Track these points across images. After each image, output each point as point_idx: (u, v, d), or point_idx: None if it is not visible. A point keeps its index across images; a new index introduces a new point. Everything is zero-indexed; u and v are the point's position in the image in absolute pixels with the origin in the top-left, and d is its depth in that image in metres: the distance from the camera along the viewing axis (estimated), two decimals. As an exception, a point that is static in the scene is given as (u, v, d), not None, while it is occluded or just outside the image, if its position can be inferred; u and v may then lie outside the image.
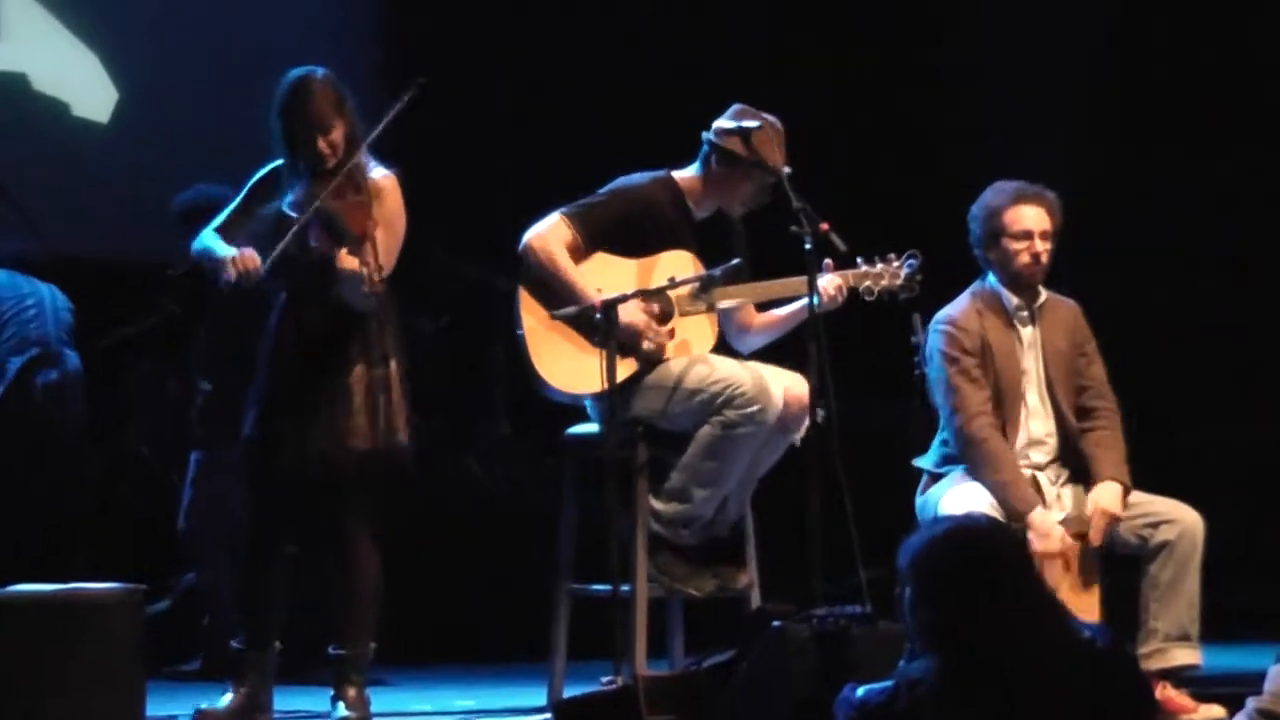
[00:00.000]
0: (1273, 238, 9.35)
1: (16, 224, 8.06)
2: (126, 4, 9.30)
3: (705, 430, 6.12)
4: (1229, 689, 6.05)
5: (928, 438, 6.39)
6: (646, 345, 6.18)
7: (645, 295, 6.18)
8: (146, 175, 8.71)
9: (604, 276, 6.21)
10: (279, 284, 6.08)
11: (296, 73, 6.03)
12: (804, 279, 6.06)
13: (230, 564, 6.83)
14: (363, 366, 5.97)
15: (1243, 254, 9.50)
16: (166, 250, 7.40)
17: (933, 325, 6.39)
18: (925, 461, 6.38)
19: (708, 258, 6.29)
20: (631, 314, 6.13)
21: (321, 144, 5.95)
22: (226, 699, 6.00)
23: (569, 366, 6.21)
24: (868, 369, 7.74)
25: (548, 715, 5.97)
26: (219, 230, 6.08)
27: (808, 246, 5.89)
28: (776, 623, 5.10)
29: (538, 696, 6.47)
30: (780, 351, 6.40)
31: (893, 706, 3.86)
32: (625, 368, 6.10)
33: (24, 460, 7.72)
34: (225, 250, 5.95)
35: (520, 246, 6.28)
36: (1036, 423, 6.33)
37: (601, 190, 6.39)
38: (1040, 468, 6.29)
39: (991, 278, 6.39)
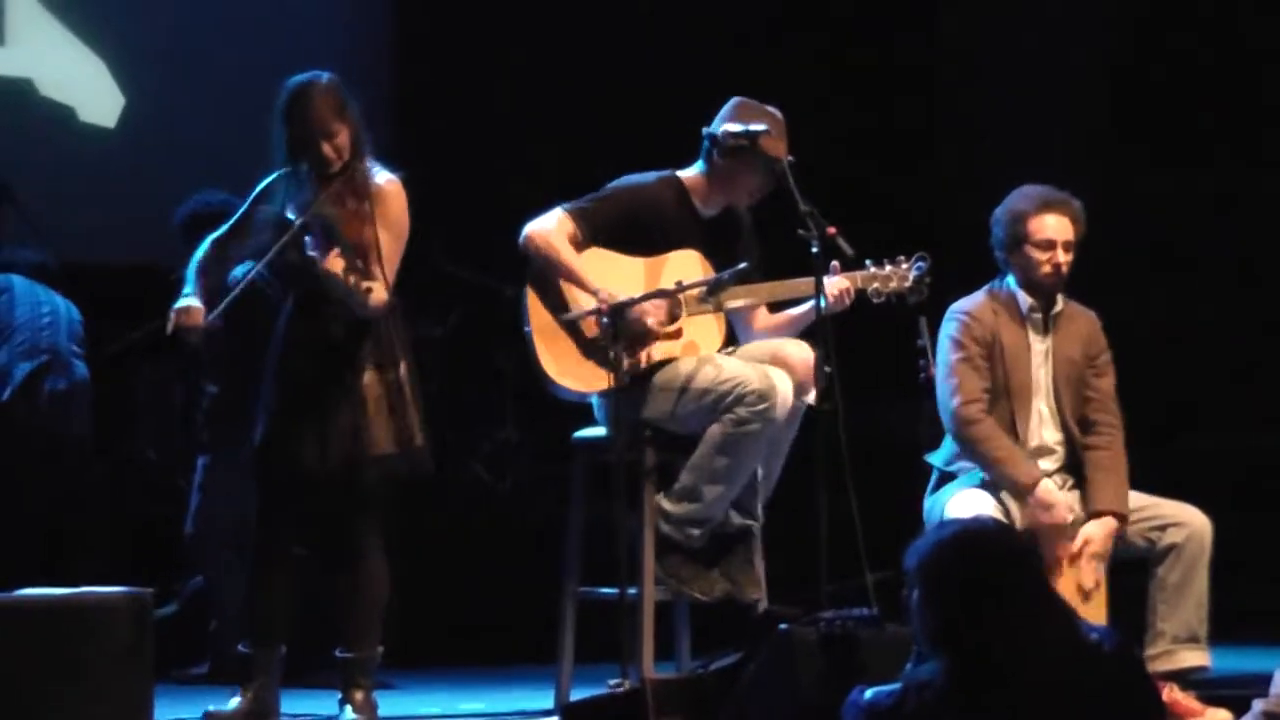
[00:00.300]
0: (1272, 241, 9.36)
1: (25, 228, 8.08)
2: (133, 9, 9.32)
3: (715, 428, 6.12)
4: (1235, 691, 6.06)
5: (936, 439, 6.39)
6: (654, 346, 6.17)
7: (653, 298, 6.18)
8: (153, 180, 8.72)
9: (612, 276, 6.21)
10: (285, 289, 6.09)
11: (300, 78, 6.02)
12: (810, 281, 6.06)
13: (237, 567, 6.84)
14: (374, 371, 5.97)
15: (1242, 257, 9.51)
16: (172, 254, 7.40)
17: (947, 314, 6.37)
18: (936, 458, 6.37)
19: (715, 256, 6.29)
20: (637, 315, 6.13)
21: (326, 148, 5.94)
22: (234, 703, 6.01)
23: (576, 365, 6.21)
24: (875, 372, 7.74)
25: (555, 718, 5.97)
26: (220, 240, 6.08)
27: (815, 250, 5.89)
28: (783, 626, 5.10)
29: (545, 699, 6.47)
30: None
31: (900, 710, 3.86)
32: (632, 370, 6.10)
33: (30, 465, 7.74)
34: (183, 297, 5.96)
35: (520, 239, 6.28)
36: (1047, 431, 6.31)
37: (605, 188, 6.39)
38: (1048, 475, 6.28)
39: (1010, 279, 6.37)
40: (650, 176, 6.40)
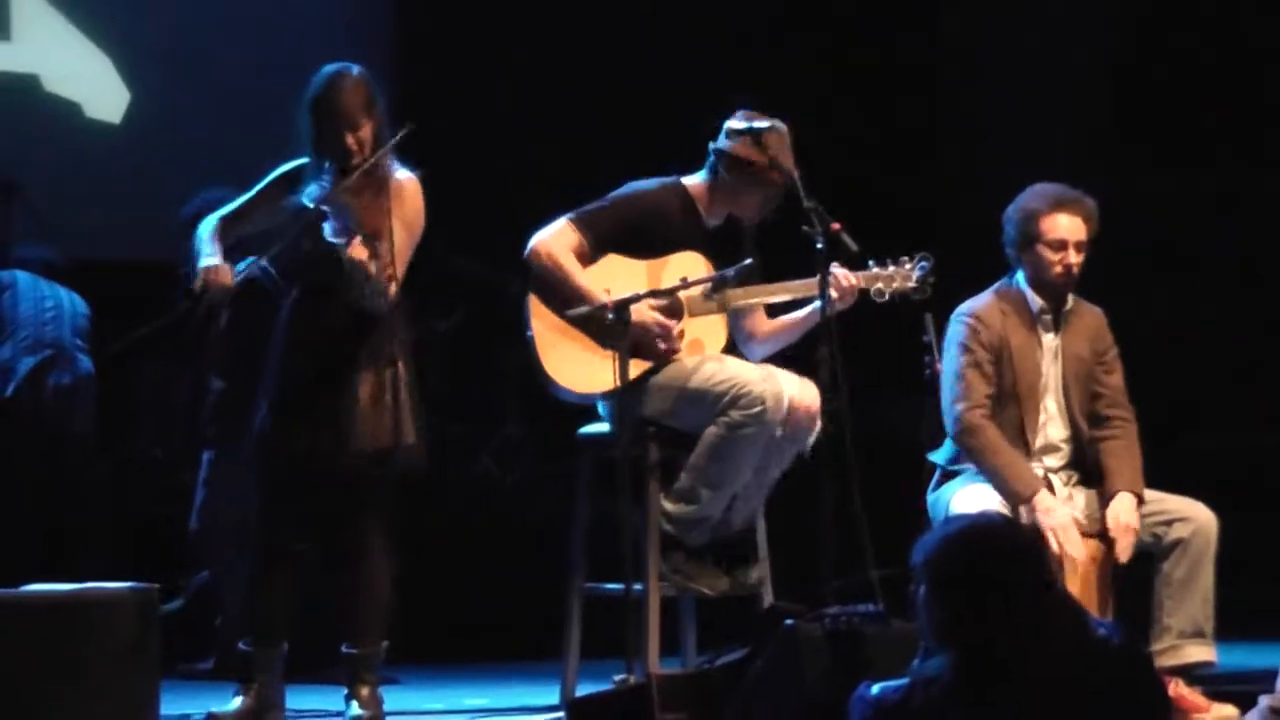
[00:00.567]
0: (1274, 241, 9.36)
1: (32, 225, 8.08)
2: (139, 6, 9.32)
3: (711, 431, 6.12)
4: (1241, 687, 6.06)
5: (939, 437, 6.39)
6: (660, 345, 6.18)
7: (656, 295, 6.18)
8: (158, 177, 8.73)
9: (614, 277, 6.22)
10: (292, 281, 6.09)
11: (331, 68, 6.02)
12: (815, 280, 6.06)
13: (242, 563, 6.84)
14: (370, 368, 5.96)
15: (1244, 256, 9.51)
16: (178, 250, 7.40)
17: (955, 316, 6.37)
18: (939, 457, 6.37)
19: (719, 262, 6.29)
20: (642, 314, 6.13)
21: (350, 140, 5.93)
22: (236, 702, 6.00)
23: (579, 367, 6.21)
24: (879, 368, 7.74)
25: (561, 714, 5.98)
26: (229, 217, 6.08)
27: (819, 246, 5.89)
28: (789, 621, 5.09)
29: (550, 695, 6.48)
30: (792, 351, 6.40)
31: (908, 705, 3.86)
32: (636, 367, 6.10)
33: (34, 460, 7.74)
34: (206, 257, 5.95)
35: (526, 251, 6.29)
36: (1054, 429, 6.32)
37: (610, 195, 6.39)
38: (1053, 472, 6.29)
39: (1020, 277, 6.37)
40: (654, 183, 6.40)
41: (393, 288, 5.87)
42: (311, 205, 5.92)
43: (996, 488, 6.14)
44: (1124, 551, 6.11)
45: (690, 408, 6.15)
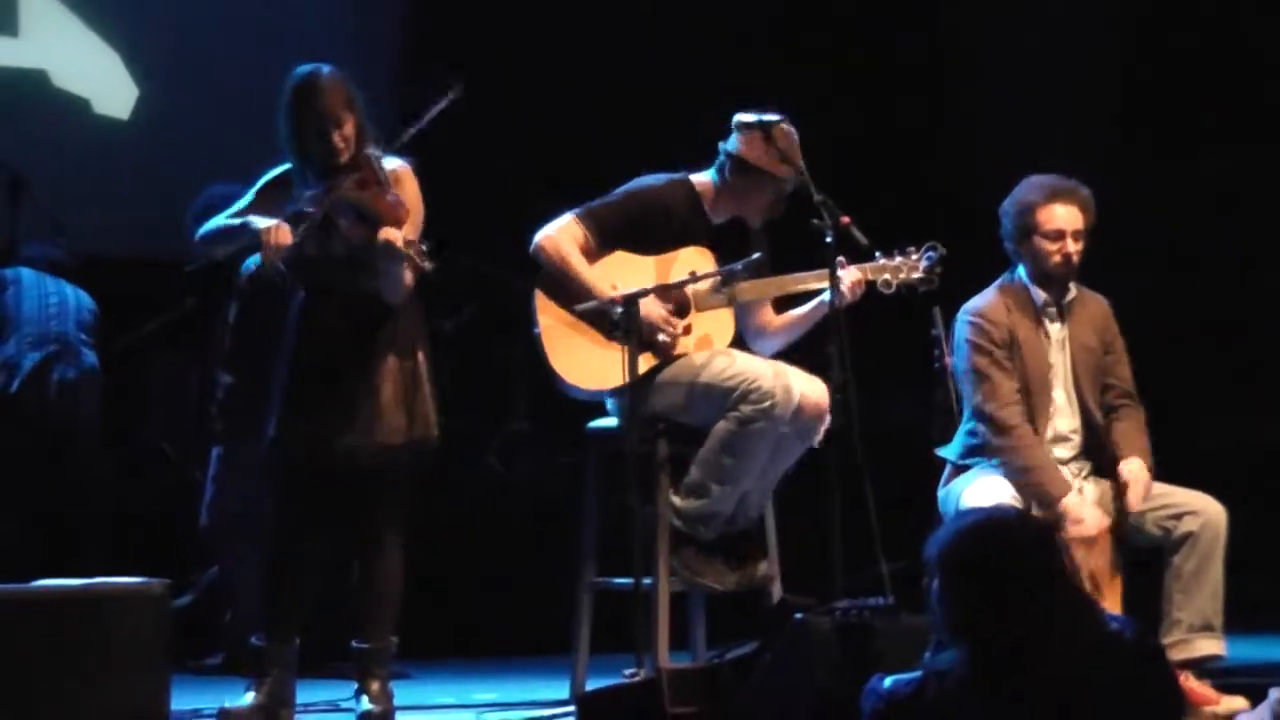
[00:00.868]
0: (1276, 236, 9.37)
1: (41, 222, 8.09)
2: (147, 1, 9.33)
3: (721, 425, 6.12)
4: (1251, 680, 6.07)
5: (949, 430, 6.39)
6: (662, 339, 6.18)
7: (664, 290, 6.18)
8: (166, 172, 8.73)
9: (621, 273, 6.22)
10: (297, 281, 6.09)
11: (304, 69, 6.00)
12: (823, 273, 6.06)
13: (252, 558, 6.84)
14: (393, 360, 5.97)
15: (1247, 251, 9.52)
16: (186, 246, 7.41)
17: (960, 316, 6.37)
18: (949, 452, 6.38)
19: (725, 257, 6.29)
20: (648, 308, 6.13)
21: (335, 138, 5.93)
22: (249, 697, 5.99)
23: (586, 363, 6.22)
24: (889, 362, 7.74)
25: (571, 708, 5.98)
26: (234, 218, 6.08)
27: (829, 240, 5.88)
28: (799, 615, 5.10)
29: (560, 689, 6.48)
30: (800, 345, 6.41)
31: (920, 697, 3.86)
32: (644, 362, 6.10)
33: (38, 454, 7.75)
34: (259, 220, 5.91)
35: (531, 246, 6.29)
36: (1062, 419, 6.32)
37: (616, 191, 6.39)
38: (1063, 462, 6.29)
39: (1021, 271, 6.37)
40: (662, 178, 6.40)
41: (409, 275, 5.86)
42: (309, 208, 5.91)
43: (1024, 485, 6.13)
44: (1136, 498, 6.11)
45: (700, 403, 6.15)
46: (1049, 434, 6.30)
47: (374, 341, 5.96)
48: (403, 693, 6.25)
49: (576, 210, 6.30)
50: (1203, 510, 6.14)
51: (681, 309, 6.25)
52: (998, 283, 6.41)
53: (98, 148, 9.08)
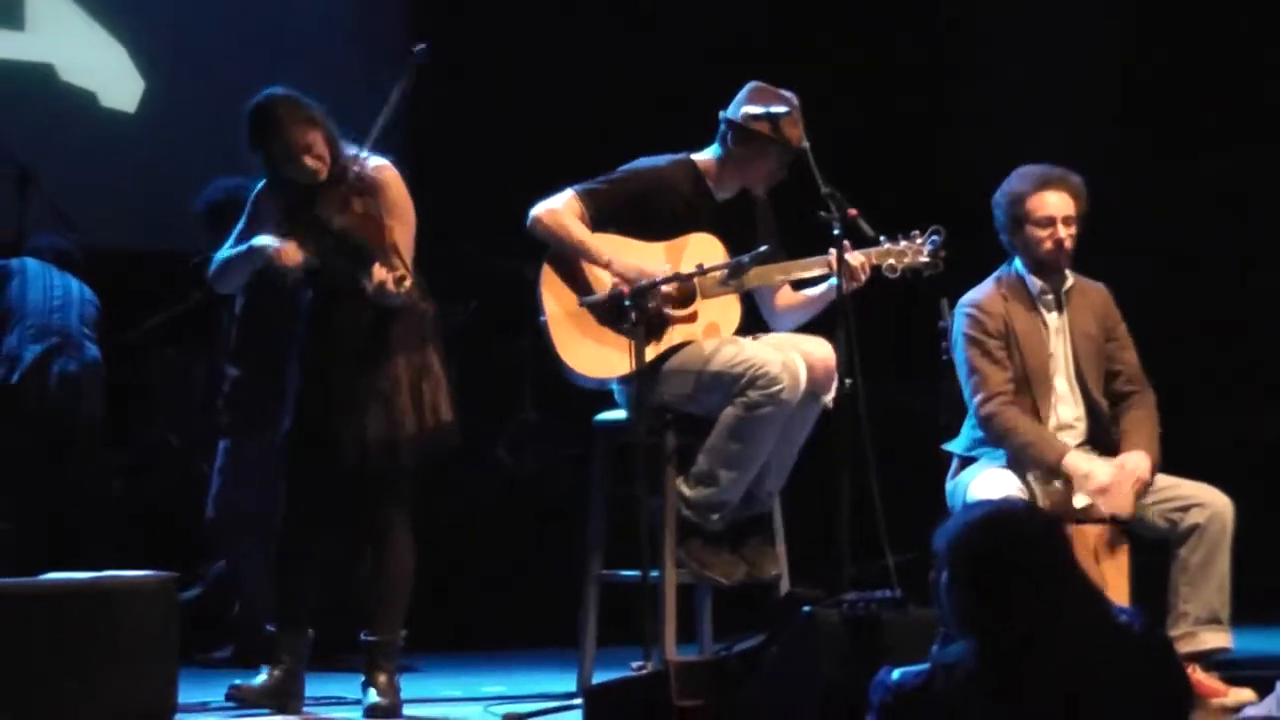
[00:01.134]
0: (1275, 235, 9.38)
1: (48, 214, 8.09)
2: (153, -5, 9.35)
3: (729, 411, 6.12)
4: (1258, 672, 6.06)
5: (956, 422, 6.39)
6: (672, 329, 6.17)
7: (674, 281, 6.18)
8: (173, 165, 8.73)
9: (630, 259, 6.21)
10: (304, 282, 6.09)
11: (257, 101, 5.99)
12: (827, 258, 6.06)
13: (258, 552, 6.85)
14: (403, 355, 5.98)
15: (1250, 247, 9.53)
16: (193, 239, 7.42)
17: (957, 309, 6.39)
18: (956, 446, 6.38)
19: (730, 239, 6.28)
20: (655, 299, 6.12)
21: (308, 161, 5.94)
22: (260, 679, 6.03)
23: (593, 352, 6.22)
24: (896, 353, 7.74)
25: (578, 701, 5.98)
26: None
27: (836, 231, 5.88)
28: (806, 608, 5.09)
29: (568, 682, 6.49)
30: (810, 333, 6.40)
31: (929, 690, 3.85)
32: (651, 351, 6.10)
33: (40, 447, 7.75)
34: (263, 239, 5.92)
35: (528, 220, 6.28)
36: (1065, 408, 6.32)
37: (617, 170, 6.39)
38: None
39: (1017, 262, 6.39)
40: (663, 159, 6.40)
41: (408, 281, 5.86)
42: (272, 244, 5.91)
43: (1027, 463, 6.13)
44: (1125, 502, 6.09)
45: (708, 391, 6.15)
46: (1053, 422, 6.29)
47: (382, 338, 5.96)
48: (410, 686, 6.25)
49: (576, 186, 6.30)
50: (1209, 503, 6.13)
51: (688, 296, 6.25)
52: (994, 275, 6.42)
53: (104, 141, 9.08)
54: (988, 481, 6.13)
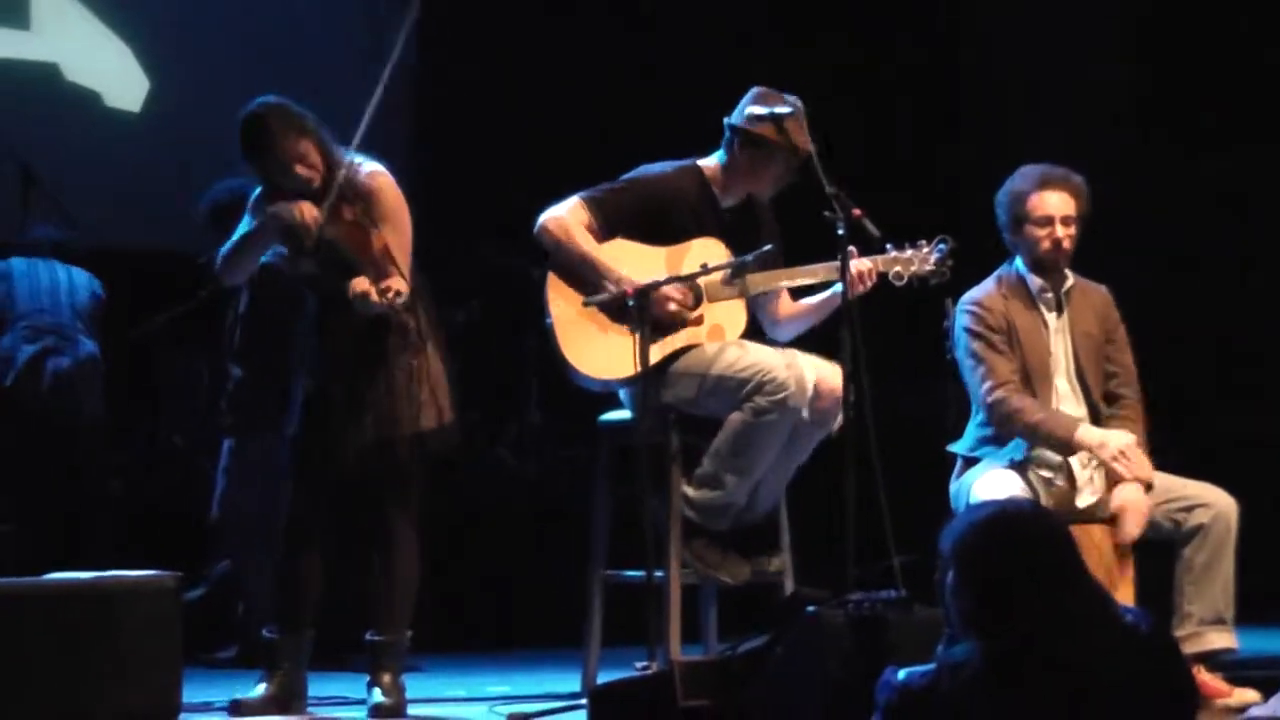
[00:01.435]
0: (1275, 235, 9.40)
1: (49, 211, 8.09)
2: (158, -6, 9.36)
3: (735, 416, 6.12)
4: (1263, 672, 6.07)
5: (961, 422, 6.39)
6: (673, 308, 6.16)
7: (677, 281, 6.18)
8: (178, 165, 8.74)
9: (632, 264, 6.21)
10: (306, 288, 6.09)
11: (248, 111, 5.98)
12: (834, 264, 6.06)
13: (263, 552, 6.85)
14: (400, 358, 5.98)
15: (1245, 252, 9.54)
16: (197, 239, 7.42)
17: (959, 306, 6.39)
18: (959, 446, 6.38)
19: (736, 245, 6.28)
20: (662, 300, 6.12)
21: (300, 170, 5.93)
22: (260, 689, 6.01)
23: (599, 354, 6.21)
24: (901, 354, 7.74)
25: (583, 701, 5.98)
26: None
27: (840, 232, 5.88)
28: (811, 608, 5.09)
29: (572, 682, 6.49)
30: (814, 337, 6.41)
31: (934, 690, 3.86)
32: (657, 353, 6.10)
33: (39, 448, 7.76)
34: (280, 210, 5.90)
35: (535, 228, 6.28)
36: (1067, 407, 6.32)
37: (624, 177, 6.39)
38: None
39: (1018, 262, 6.39)
40: (669, 166, 6.40)
41: (404, 285, 5.86)
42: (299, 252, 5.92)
43: (1041, 443, 6.13)
44: (1130, 532, 6.09)
45: (714, 395, 6.14)
46: (1054, 423, 6.30)
47: (379, 342, 5.96)
48: (414, 686, 6.25)
49: (582, 194, 6.30)
50: (1214, 503, 6.13)
51: (694, 300, 6.24)
52: (995, 274, 6.43)
53: (109, 141, 9.09)
54: (992, 482, 6.13)
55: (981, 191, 6.61)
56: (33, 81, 9.00)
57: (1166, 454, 6.29)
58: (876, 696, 3.98)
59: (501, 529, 8.72)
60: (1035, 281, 6.36)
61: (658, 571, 6.01)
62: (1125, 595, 6.03)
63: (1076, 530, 5.73)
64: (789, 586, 6.25)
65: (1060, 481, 6.20)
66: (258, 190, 6.06)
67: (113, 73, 9.17)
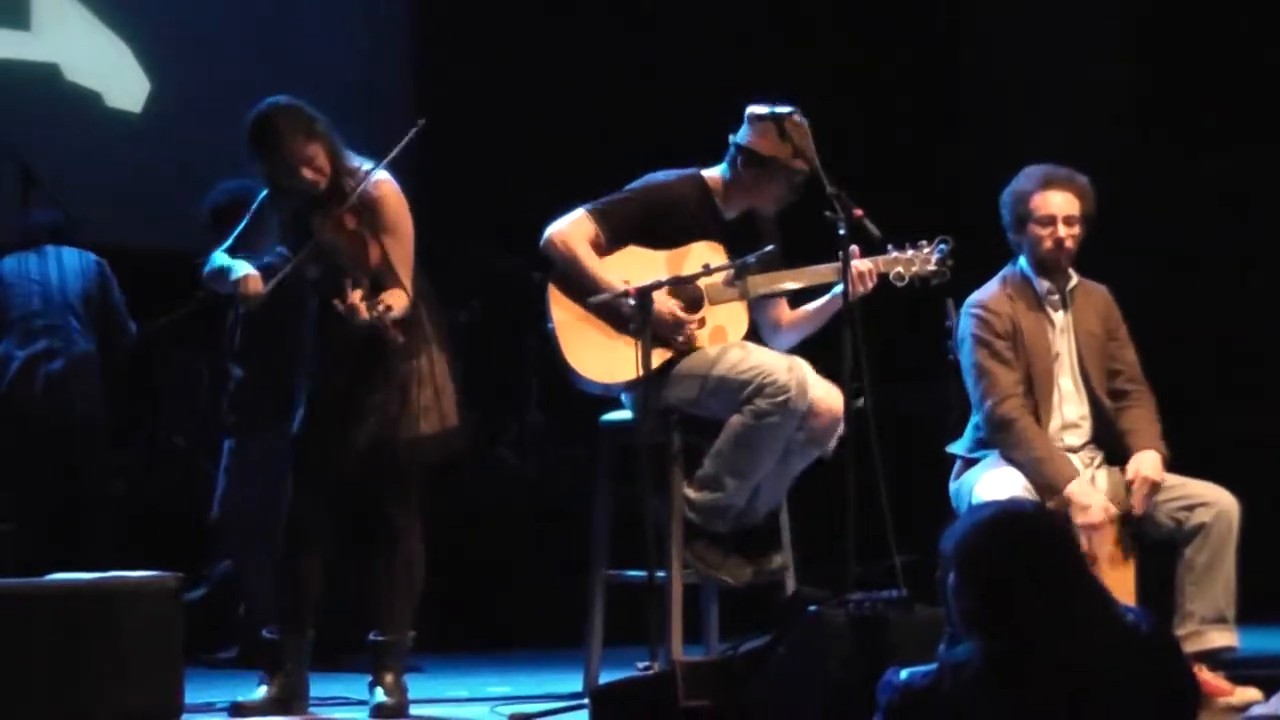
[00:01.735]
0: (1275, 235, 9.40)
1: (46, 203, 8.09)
2: (158, -6, 9.36)
3: (736, 419, 6.12)
4: (1264, 671, 6.07)
5: (961, 423, 6.39)
6: (680, 339, 6.17)
7: (678, 283, 6.18)
8: (179, 165, 8.74)
9: (633, 267, 6.22)
10: (308, 291, 6.09)
11: (258, 110, 5.98)
12: (835, 266, 6.06)
13: (264, 552, 6.85)
14: (402, 361, 5.98)
15: (1245, 252, 9.54)
16: (198, 240, 7.41)
17: (964, 309, 6.39)
18: (958, 447, 6.38)
19: (737, 252, 6.28)
20: (660, 304, 6.12)
21: (306, 173, 5.93)
22: (261, 690, 6.02)
23: (601, 357, 6.21)
24: (902, 355, 7.74)
25: (584, 701, 5.98)
26: (231, 249, 6.08)
27: (841, 233, 5.88)
28: (812, 608, 5.09)
29: (574, 683, 6.49)
30: (815, 337, 6.41)
31: (936, 690, 3.86)
32: (658, 356, 6.10)
33: (36, 449, 7.76)
34: (239, 269, 5.95)
35: (541, 241, 6.29)
36: (1070, 406, 6.33)
37: (628, 187, 6.39)
38: (1074, 450, 6.29)
39: (1022, 261, 6.40)
40: (673, 175, 6.40)
41: (404, 297, 5.86)
42: (282, 251, 5.93)
43: (1031, 477, 6.13)
44: (1139, 500, 6.10)
45: (715, 396, 6.14)
46: (1057, 421, 6.30)
47: (380, 345, 5.94)
48: (416, 686, 6.25)
49: (588, 205, 6.30)
50: (1215, 501, 6.13)
51: (695, 303, 6.25)
52: (1000, 274, 6.43)
53: (109, 141, 9.09)
54: (993, 482, 6.13)
55: (982, 192, 6.62)
56: (33, 81, 9.00)
57: (1167, 454, 6.29)
58: (878, 697, 3.98)
59: (502, 529, 8.72)
60: (1040, 282, 6.36)
61: (659, 571, 6.00)
62: (1127, 595, 6.04)
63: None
64: (790, 586, 6.25)
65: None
66: (263, 194, 6.06)
67: (113, 73, 9.17)
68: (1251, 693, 5.95)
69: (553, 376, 6.49)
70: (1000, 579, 3.83)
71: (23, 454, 7.76)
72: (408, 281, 5.92)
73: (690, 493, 6.19)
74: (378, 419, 5.95)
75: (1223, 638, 6.09)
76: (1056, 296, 6.37)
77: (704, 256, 6.26)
